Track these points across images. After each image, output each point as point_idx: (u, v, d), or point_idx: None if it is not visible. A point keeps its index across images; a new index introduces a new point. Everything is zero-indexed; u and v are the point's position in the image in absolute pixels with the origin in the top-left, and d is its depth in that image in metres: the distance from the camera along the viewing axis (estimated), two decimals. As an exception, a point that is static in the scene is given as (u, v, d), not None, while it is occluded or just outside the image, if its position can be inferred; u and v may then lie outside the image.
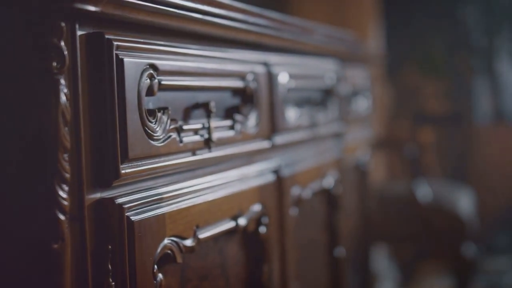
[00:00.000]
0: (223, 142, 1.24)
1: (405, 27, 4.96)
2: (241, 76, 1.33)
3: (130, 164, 0.96)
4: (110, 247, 0.92)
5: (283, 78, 1.53)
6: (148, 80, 1.00)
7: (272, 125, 1.47)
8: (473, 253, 3.10)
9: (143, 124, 0.99)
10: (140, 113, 0.98)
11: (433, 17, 5.00)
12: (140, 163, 0.98)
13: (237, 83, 1.31)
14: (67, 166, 0.85)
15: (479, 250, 3.39)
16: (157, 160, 1.02)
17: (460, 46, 5.04)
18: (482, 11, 5.01)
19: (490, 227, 4.70)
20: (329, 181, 1.87)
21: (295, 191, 1.58)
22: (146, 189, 1.02)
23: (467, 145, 4.94)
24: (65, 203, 0.85)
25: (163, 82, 1.03)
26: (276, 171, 1.48)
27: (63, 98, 0.84)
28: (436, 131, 4.92)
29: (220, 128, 1.23)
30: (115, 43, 0.93)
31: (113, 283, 0.92)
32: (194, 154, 1.14)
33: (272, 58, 1.50)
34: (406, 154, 3.30)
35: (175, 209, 1.06)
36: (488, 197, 4.70)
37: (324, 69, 1.89)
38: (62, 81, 0.84)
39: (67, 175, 0.85)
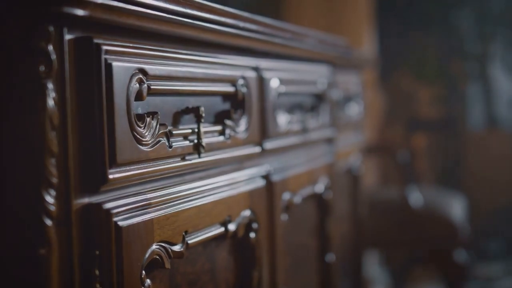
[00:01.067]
0: (213, 147, 1.23)
1: (399, 32, 4.97)
2: (232, 81, 1.32)
3: (118, 169, 0.95)
4: (97, 252, 0.92)
5: (274, 83, 1.52)
6: (137, 85, 1.00)
7: (263, 131, 1.47)
8: (465, 259, 3.10)
9: (132, 129, 0.98)
10: (128, 118, 0.97)
11: (427, 23, 5.01)
12: (128, 168, 0.98)
13: (228, 88, 1.31)
14: (54, 171, 0.84)
15: (471, 256, 3.39)
16: (145, 165, 1.02)
17: (454, 52, 5.05)
18: (476, 17, 5.02)
19: (482, 233, 4.70)
20: (320, 187, 1.86)
21: (285, 196, 1.57)
22: (134, 194, 1.01)
23: (460, 151, 4.95)
24: (52, 208, 0.84)
25: (152, 87, 1.03)
26: (266, 177, 1.48)
27: (50, 102, 0.83)
28: (429, 136, 4.92)
29: (210, 133, 1.23)
30: (104, 47, 0.92)
31: (100, 289, 0.92)
32: (183, 159, 1.13)
33: (263, 63, 1.49)
34: (399, 159, 3.30)
35: (163, 214, 1.06)
36: (481, 203, 4.70)
37: (316, 75, 1.89)
38: (50, 86, 0.84)
39: (54, 180, 0.84)
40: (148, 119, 1.03)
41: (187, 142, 1.14)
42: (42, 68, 0.83)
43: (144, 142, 1.01)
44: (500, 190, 4.86)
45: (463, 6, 4.98)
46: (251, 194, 1.38)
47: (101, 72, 0.92)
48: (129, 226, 0.96)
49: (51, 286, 0.84)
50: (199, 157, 1.18)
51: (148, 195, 1.04)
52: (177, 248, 1.09)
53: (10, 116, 0.83)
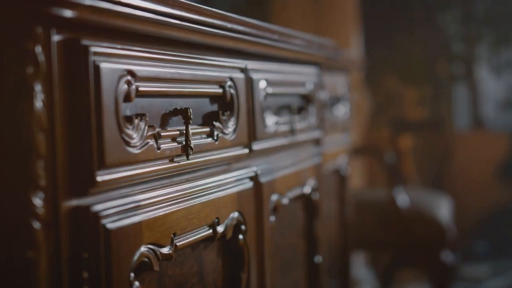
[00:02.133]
0: (201, 149, 1.23)
1: (385, 34, 4.98)
2: (220, 83, 1.32)
3: (106, 171, 0.95)
4: (86, 255, 0.91)
5: (262, 84, 1.52)
6: (126, 86, 0.99)
7: (251, 132, 1.47)
8: (452, 260, 3.11)
9: (120, 131, 0.98)
10: (117, 119, 0.97)
11: (413, 25, 5.03)
12: (117, 170, 0.97)
13: (216, 90, 1.31)
14: (42, 173, 0.84)
15: (458, 257, 3.40)
16: (134, 167, 1.01)
17: (440, 54, 5.06)
18: (462, 19, 5.04)
19: (469, 234, 4.71)
20: (308, 188, 1.86)
21: (273, 198, 1.57)
22: (123, 196, 1.01)
23: (447, 152, 4.96)
24: (40, 210, 0.84)
25: (140, 88, 1.03)
26: (254, 178, 1.48)
27: (38, 104, 0.83)
28: (415, 138, 4.94)
29: (198, 135, 1.23)
30: (92, 49, 0.92)
31: (89, 292, 0.91)
32: (171, 161, 1.13)
33: (251, 64, 1.49)
34: (386, 161, 3.31)
35: (152, 216, 1.05)
36: (467, 204, 4.72)
37: (304, 76, 1.89)
38: (38, 88, 0.83)
39: (43, 182, 0.84)
40: (136, 120, 1.02)
41: (175, 144, 1.14)
42: (30, 69, 0.82)
43: (132, 144, 1.01)
44: (486, 190, 4.88)
45: (449, 8, 5.00)
46: (239, 195, 1.38)
47: (89, 74, 0.91)
48: (118, 229, 0.96)
49: (39, 289, 0.84)
50: (187, 158, 1.17)
51: (136, 197, 1.03)
52: (165, 250, 1.09)
53: (-2, 118, 0.83)
